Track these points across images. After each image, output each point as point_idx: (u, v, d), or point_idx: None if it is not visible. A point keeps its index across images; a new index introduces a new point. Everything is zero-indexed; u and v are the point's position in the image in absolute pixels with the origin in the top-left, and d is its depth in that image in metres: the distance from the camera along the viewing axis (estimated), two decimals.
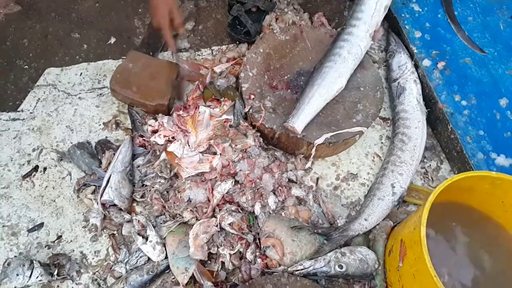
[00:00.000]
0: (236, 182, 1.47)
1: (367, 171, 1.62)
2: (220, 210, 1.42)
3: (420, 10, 1.81)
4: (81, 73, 1.76)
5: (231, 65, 1.76)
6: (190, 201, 1.44)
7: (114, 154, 1.52)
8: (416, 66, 1.71)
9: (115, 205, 1.43)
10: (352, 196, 1.56)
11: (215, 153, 1.50)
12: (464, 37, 1.75)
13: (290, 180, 1.55)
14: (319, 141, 1.48)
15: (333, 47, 1.60)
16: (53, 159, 1.58)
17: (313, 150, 1.52)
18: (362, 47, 1.59)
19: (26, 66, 1.78)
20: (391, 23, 1.87)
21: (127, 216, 1.44)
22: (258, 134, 1.55)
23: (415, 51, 1.72)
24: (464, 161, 1.53)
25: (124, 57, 1.71)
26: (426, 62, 1.69)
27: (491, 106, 1.61)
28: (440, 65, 1.68)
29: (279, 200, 1.46)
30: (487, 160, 1.51)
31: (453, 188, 1.22)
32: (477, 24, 1.79)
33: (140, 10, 1.93)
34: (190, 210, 1.41)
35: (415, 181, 1.60)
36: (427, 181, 1.61)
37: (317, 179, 1.59)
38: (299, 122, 1.45)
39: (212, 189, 1.43)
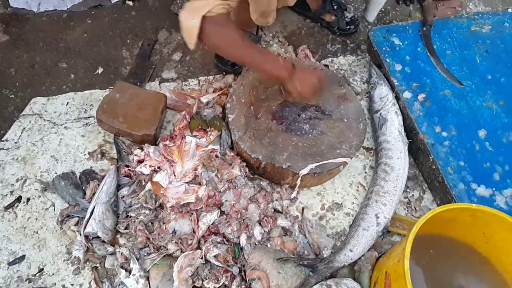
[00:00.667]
0: (222, 212, 1.47)
1: (351, 200, 1.64)
2: (205, 241, 1.42)
3: (401, 43, 1.88)
4: (67, 103, 1.77)
5: (218, 95, 1.79)
6: (175, 233, 1.43)
7: (98, 184, 1.51)
8: (397, 98, 1.76)
9: (98, 237, 1.41)
10: (337, 226, 1.57)
11: (200, 184, 1.51)
12: (443, 70, 1.81)
13: (275, 210, 1.55)
14: (304, 171, 1.50)
15: None
16: (36, 189, 1.56)
17: (299, 180, 1.54)
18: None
19: (12, 96, 1.78)
20: (372, 56, 1.93)
21: (110, 249, 1.42)
22: (244, 164, 1.57)
23: (396, 83, 1.77)
24: (445, 191, 1.56)
25: (112, 87, 1.72)
26: (407, 94, 1.74)
27: (470, 137, 1.65)
28: (421, 97, 1.73)
29: (265, 231, 1.47)
30: (468, 190, 1.54)
31: (436, 220, 1.25)
32: (455, 57, 1.86)
33: (128, 41, 1.96)
34: (175, 242, 1.40)
35: (399, 211, 1.62)
36: (410, 211, 1.64)
37: (303, 209, 1.60)
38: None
39: (198, 220, 1.43)
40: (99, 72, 1.86)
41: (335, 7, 2.04)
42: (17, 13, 1.97)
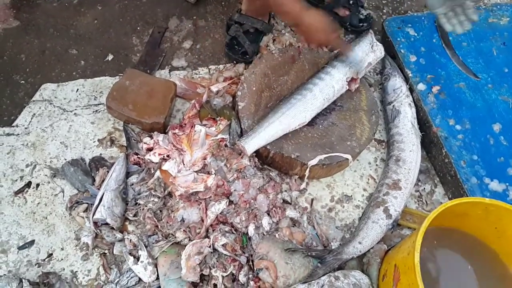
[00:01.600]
0: (231, 202, 1.47)
1: (361, 193, 1.62)
2: (213, 230, 1.41)
3: (416, 34, 1.84)
4: (77, 89, 1.76)
5: (228, 84, 1.77)
6: (184, 221, 1.42)
7: (108, 171, 1.51)
8: (411, 90, 1.73)
9: (107, 223, 1.41)
10: (347, 219, 1.56)
11: (209, 173, 1.50)
12: (458, 62, 1.77)
13: (284, 201, 1.54)
14: (313, 162, 1.48)
15: (307, 82, 1.60)
16: (46, 175, 1.57)
17: (307, 171, 1.52)
18: (335, 89, 1.57)
19: (23, 81, 1.78)
20: (386, 47, 1.89)
21: (119, 235, 1.42)
22: (254, 153, 1.55)
23: (410, 75, 1.73)
24: (458, 185, 1.54)
25: (121, 74, 1.71)
26: (421, 86, 1.71)
27: (484, 131, 1.62)
28: (435, 89, 1.70)
29: (273, 222, 1.46)
30: (481, 185, 1.51)
31: (447, 214, 1.23)
32: (471, 49, 1.82)
33: (138, 28, 1.95)
34: (183, 230, 1.40)
35: (409, 205, 1.60)
36: (421, 205, 1.61)
37: (312, 200, 1.59)
38: (251, 143, 1.45)
39: (206, 209, 1.43)
40: (109, 59, 1.85)
41: (351, 1, 1.97)
42: None
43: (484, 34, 1.86)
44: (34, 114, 1.69)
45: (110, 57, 1.86)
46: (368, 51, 1.63)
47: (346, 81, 1.59)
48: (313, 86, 1.56)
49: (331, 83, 1.56)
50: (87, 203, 1.48)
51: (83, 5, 1.99)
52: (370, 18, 2.00)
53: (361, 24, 1.98)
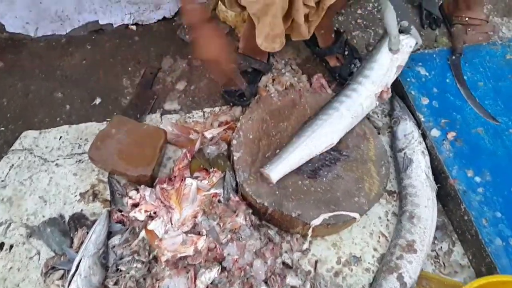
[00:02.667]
0: (223, 269, 1.30)
1: (371, 253, 1.45)
2: None
3: (427, 74, 1.70)
4: (60, 137, 1.63)
5: (224, 130, 1.63)
6: None
7: (87, 232, 1.36)
8: (424, 136, 1.57)
9: None
10: (355, 285, 1.39)
11: (200, 233, 1.35)
12: (475, 105, 1.62)
13: (285, 264, 1.38)
14: (316, 222, 1.32)
15: (332, 101, 1.48)
16: (21, 235, 1.42)
17: (310, 231, 1.36)
18: (364, 107, 1.46)
19: (3, 128, 1.65)
20: (395, 87, 1.75)
21: None
22: (250, 211, 1.40)
23: (422, 119, 1.58)
24: (479, 246, 1.37)
25: (109, 119, 1.59)
26: (435, 132, 1.55)
27: (508, 183, 1.45)
28: (450, 135, 1.54)
29: None
30: (507, 247, 1.34)
31: None
32: (489, 90, 1.67)
33: (129, 69, 1.83)
34: None
35: (425, 267, 1.42)
36: (438, 267, 1.44)
37: (316, 262, 1.42)
38: (276, 170, 1.34)
39: (195, 278, 1.26)
40: (97, 103, 1.73)
41: (346, 52, 1.80)
42: (13, 38, 1.86)
43: (502, 73, 1.71)
44: (13, 165, 1.56)
45: (98, 100, 1.74)
46: (391, 56, 1.45)
47: (376, 97, 1.45)
48: (339, 105, 1.44)
49: (359, 101, 1.45)
50: (63, 269, 1.33)
51: (71, 45, 1.88)
52: None
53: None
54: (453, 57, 1.73)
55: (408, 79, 1.68)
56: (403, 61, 1.47)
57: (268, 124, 1.53)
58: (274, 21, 1.35)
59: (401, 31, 1.40)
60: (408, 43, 1.43)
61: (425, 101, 1.63)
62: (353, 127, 1.48)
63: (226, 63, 1.39)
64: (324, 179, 1.42)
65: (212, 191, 1.42)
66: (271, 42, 1.44)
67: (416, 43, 1.43)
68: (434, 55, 1.76)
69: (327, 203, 1.36)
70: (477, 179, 1.46)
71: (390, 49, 1.43)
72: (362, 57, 1.83)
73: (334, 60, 1.82)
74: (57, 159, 1.58)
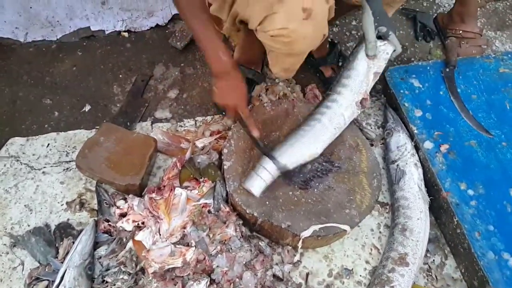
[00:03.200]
0: (212, 281, 1.27)
1: (363, 266, 1.43)
2: None
3: (421, 86, 1.69)
4: (48, 144, 1.60)
5: (215, 139, 1.61)
6: None
7: (73, 242, 1.33)
8: (417, 148, 1.56)
9: None
10: None
11: (189, 245, 1.32)
12: (468, 117, 1.61)
13: (275, 277, 1.35)
14: (306, 234, 1.30)
15: (314, 112, 1.45)
16: (5, 244, 1.38)
17: (300, 242, 1.34)
18: (345, 117, 1.42)
19: None
20: (388, 99, 1.74)
21: None
22: (240, 222, 1.37)
23: (415, 131, 1.57)
24: (472, 260, 1.35)
25: (98, 127, 1.56)
26: (428, 144, 1.54)
27: (501, 196, 1.44)
28: (443, 148, 1.53)
29: None
30: (499, 261, 1.32)
31: None
32: (482, 103, 1.66)
33: (120, 76, 1.80)
34: None
35: (418, 280, 1.40)
36: (430, 280, 1.42)
37: (307, 275, 1.40)
38: (255, 185, 1.31)
39: None
40: (86, 110, 1.70)
41: (340, 63, 1.78)
42: (2, 43, 1.83)
43: (496, 86, 1.71)
44: None
45: (87, 107, 1.71)
46: (368, 63, 1.40)
47: (357, 105, 1.42)
48: (321, 116, 1.41)
49: (340, 111, 1.41)
50: (47, 279, 1.29)
51: (61, 51, 1.85)
52: None
53: None
54: (447, 70, 1.73)
55: (402, 91, 1.67)
56: (380, 67, 1.41)
57: (260, 133, 1.51)
58: (299, 61, 1.36)
59: (379, 37, 1.35)
60: (385, 49, 1.37)
61: (418, 113, 1.62)
62: (336, 137, 1.44)
63: (244, 109, 1.39)
64: (315, 190, 1.40)
65: (202, 201, 1.39)
66: (289, 73, 1.44)
67: (394, 50, 1.39)
68: (428, 67, 1.75)
69: (318, 215, 1.34)
70: (470, 192, 1.45)
71: (367, 55, 1.37)
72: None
73: (329, 71, 1.81)
74: (44, 167, 1.54)
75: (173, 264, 1.28)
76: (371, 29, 1.32)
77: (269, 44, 1.27)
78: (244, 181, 1.34)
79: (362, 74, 1.40)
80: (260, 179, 1.31)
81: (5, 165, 1.54)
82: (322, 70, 1.81)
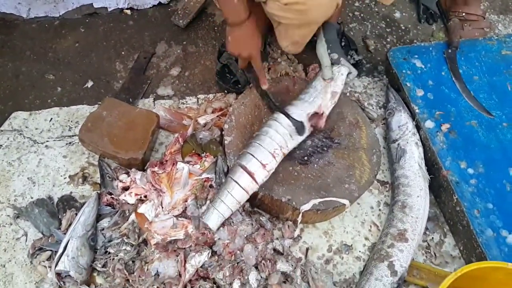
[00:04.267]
0: (214, 253, 1.29)
1: (363, 242, 1.44)
2: (192, 287, 1.23)
3: (423, 66, 1.69)
4: (51, 119, 1.60)
5: (217, 116, 1.61)
6: (158, 275, 1.24)
7: (76, 214, 1.34)
8: (418, 127, 1.57)
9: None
10: (346, 272, 1.38)
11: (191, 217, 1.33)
12: (469, 98, 1.62)
13: (276, 251, 1.36)
14: (306, 207, 1.31)
15: (263, 124, 1.41)
16: (8, 215, 1.39)
17: (300, 216, 1.35)
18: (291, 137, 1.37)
19: None
20: (390, 79, 1.75)
21: None
22: None
23: (417, 110, 1.58)
24: (470, 237, 1.36)
25: (101, 103, 1.56)
26: (429, 124, 1.55)
27: (500, 175, 1.45)
28: (444, 127, 1.54)
29: (261, 277, 1.27)
30: (497, 238, 1.34)
31: (463, 276, 1.06)
32: (483, 84, 1.67)
33: (123, 53, 1.80)
34: (157, 287, 1.22)
35: (416, 257, 1.42)
36: (429, 257, 1.44)
37: (307, 250, 1.41)
38: (212, 219, 1.27)
39: (185, 262, 1.25)
40: (89, 86, 1.70)
41: (343, 43, 1.76)
42: (5, 18, 1.82)
43: (497, 68, 1.71)
44: (1, 145, 1.53)
45: (89, 83, 1.71)
46: (323, 84, 1.43)
47: (307, 116, 1.39)
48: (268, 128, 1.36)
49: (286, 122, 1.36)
50: (50, 250, 1.30)
51: (64, 27, 1.84)
52: (361, 64, 1.84)
53: None
54: (449, 51, 1.72)
55: (404, 71, 1.67)
56: (338, 87, 1.43)
57: (261, 110, 1.51)
58: (310, 33, 1.35)
59: (333, 62, 1.42)
60: (340, 71, 1.43)
61: (420, 93, 1.63)
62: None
63: (257, 60, 1.39)
64: (315, 165, 1.41)
65: (204, 175, 1.40)
66: (298, 47, 1.43)
67: (350, 73, 1.44)
68: (430, 48, 1.75)
69: (318, 189, 1.35)
70: (470, 170, 1.46)
71: (323, 79, 1.43)
72: (358, 48, 1.83)
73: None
74: (47, 141, 1.55)
75: (175, 236, 1.29)
76: (325, 56, 1.41)
77: (279, 15, 1.26)
78: (202, 215, 1.29)
79: (319, 91, 1.42)
80: (217, 213, 1.27)
81: (8, 139, 1.54)
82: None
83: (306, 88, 1.46)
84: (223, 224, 1.31)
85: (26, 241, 1.36)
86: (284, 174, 1.37)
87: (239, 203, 1.29)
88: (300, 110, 1.39)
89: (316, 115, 1.40)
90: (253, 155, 1.29)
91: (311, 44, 1.46)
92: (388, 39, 1.97)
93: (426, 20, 2.06)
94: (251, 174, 1.27)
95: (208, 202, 1.33)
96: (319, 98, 1.42)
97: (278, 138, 1.33)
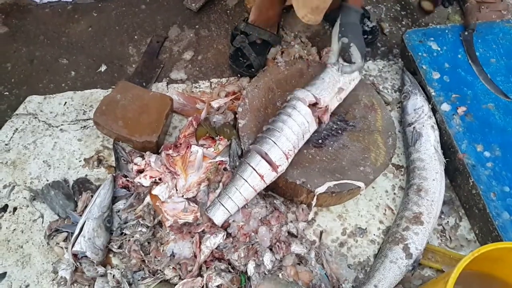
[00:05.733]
0: (228, 235, 1.29)
1: (377, 226, 1.44)
2: (207, 268, 1.24)
3: (439, 49, 1.66)
4: (65, 103, 1.61)
5: (230, 100, 1.61)
6: (174, 256, 1.26)
7: (92, 196, 1.35)
8: (434, 110, 1.55)
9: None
10: (360, 255, 1.37)
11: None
12: (486, 81, 1.59)
13: (290, 234, 1.36)
14: (321, 190, 1.31)
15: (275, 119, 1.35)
16: (25, 198, 1.41)
17: (314, 199, 1.34)
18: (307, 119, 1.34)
19: (7, 93, 1.63)
20: (406, 62, 1.72)
21: (101, 270, 1.25)
22: None
23: (433, 93, 1.56)
24: (486, 220, 1.35)
25: (114, 87, 1.56)
26: (445, 107, 1.53)
27: None
28: (461, 110, 1.52)
29: (276, 259, 1.28)
30: None
31: (479, 258, 1.04)
32: (501, 66, 1.64)
33: (136, 37, 1.80)
34: (173, 267, 1.23)
35: (431, 241, 1.41)
36: (444, 241, 1.43)
37: (321, 233, 1.41)
38: (218, 214, 1.26)
39: (200, 243, 1.25)
40: (102, 70, 1.70)
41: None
42: (19, 3, 1.83)
43: None
44: (17, 129, 1.54)
45: (103, 67, 1.71)
46: (335, 76, 1.41)
47: (314, 116, 1.35)
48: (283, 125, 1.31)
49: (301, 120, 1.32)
50: (67, 231, 1.32)
51: (77, 12, 1.85)
52: (376, 30, 1.82)
53: (365, 37, 1.75)
54: (466, 33, 1.70)
55: (420, 54, 1.65)
56: (345, 85, 1.43)
57: (275, 93, 1.51)
58: None
59: (344, 47, 1.43)
60: (354, 75, 1.45)
61: (436, 75, 1.60)
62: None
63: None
64: (330, 148, 1.40)
65: (218, 158, 1.40)
66: (318, 14, 1.38)
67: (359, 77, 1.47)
68: (447, 31, 1.72)
69: (332, 172, 1.35)
70: (487, 154, 1.44)
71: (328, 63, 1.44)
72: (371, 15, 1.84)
73: None
74: (62, 125, 1.56)
75: (185, 219, 1.29)
76: (334, 40, 1.43)
77: None
78: (207, 209, 1.28)
79: (326, 83, 1.40)
80: (224, 209, 1.26)
81: (23, 122, 1.56)
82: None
83: (313, 80, 1.43)
84: None
85: (42, 222, 1.38)
86: (298, 157, 1.36)
87: (246, 200, 1.28)
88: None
89: (320, 109, 1.38)
90: (263, 157, 1.26)
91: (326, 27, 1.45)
92: (404, 22, 1.94)
93: (441, 3, 2.01)
94: (260, 175, 1.26)
95: (217, 192, 1.32)
96: (325, 91, 1.38)
97: (293, 138, 1.29)
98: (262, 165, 1.26)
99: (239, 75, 1.71)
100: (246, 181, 1.26)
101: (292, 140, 1.29)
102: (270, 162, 1.27)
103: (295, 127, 1.31)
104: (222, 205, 1.26)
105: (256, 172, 1.26)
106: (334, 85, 1.41)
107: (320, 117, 1.38)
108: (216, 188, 1.35)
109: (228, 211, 1.26)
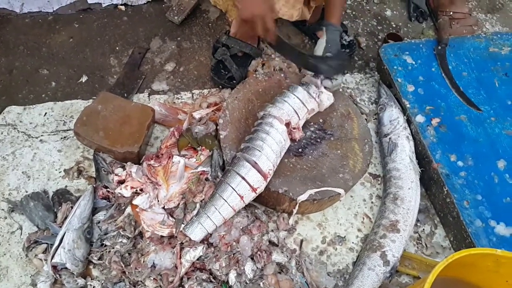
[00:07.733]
0: (210, 244, 1.30)
1: (355, 234, 1.47)
2: (188, 279, 1.24)
3: (413, 62, 1.73)
4: (45, 113, 1.60)
5: (212, 111, 1.63)
6: (155, 267, 1.25)
7: (71, 207, 1.34)
8: (409, 122, 1.60)
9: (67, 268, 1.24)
10: (340, 263, 1.40)
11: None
12: (459, 93, 1.66)
13: (271, 243, 1.38)
14: (303, 198, 1.34)
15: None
16: (3, 209, 1.39)
17: (296, 207, 1.37)
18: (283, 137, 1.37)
19: None
20: (382, 75, 1.78)
21: (81, 282, 1.25)
22: None
23: (407, 105, 1.61)
24: (460, 228, 1.40)
25: (95, 97, 1.56)
26: (420, 118, 1.58)
27: (488, 168, 1.50)
28: (435, 121, 1.58)
29: (257, 268, 1.29)
30: (486, 228, 1.38)
31: (453, 264, 1.08)
32: (472, 80, 1.71)
33: (117, 48, 1.81)
34: (154, 278, 1.23)
35: (408, 248, 1.45)
36: (420, 248, 1.47)
37: (301, 241, 1.43)
38: (196, 232, 1.26)
39: (181, 255, 1.26)
40: (83, 81, 1.70)
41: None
42: None
43: (485, 64, 1.76)
44: None
45: (84, 78, 1.71)
46: (306, 97, 1.45)
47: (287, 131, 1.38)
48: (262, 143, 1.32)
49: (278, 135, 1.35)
50: (46, 243, 1.31)
51: (58, 22, 1.84)
52: (353, 44, 1.87)
53: (343, 50, 1.81)
54: (439, 47, 1.77)
55: (395, 67, 1.71)
56: (315, 106, 1.47)
57: (254, 104, 1.54)
58: None
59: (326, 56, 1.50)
60: (326, 97, 1.48)
61: (411, 88, 1.66)
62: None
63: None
64: (310, 157, 1.44)
65: (200, 169, 1.41)
66: (291, 7, 1.42)
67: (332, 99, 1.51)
68: (421, 45, 1.79)
69: (313, 180, 1.38)
70: (460, 163, 1.50)
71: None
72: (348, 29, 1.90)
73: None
74: (42, 135, 1.55)
75: (160, 231, 1.29)
76: (320, 50, 1.50)
77: None
78: (184, 227, 1.28)
79: (298, 102, 1.43)
80: (202, 227, 1.26)
81: (2, 133, 1.54)
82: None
83: (283, 95, 1.43)
84: None
85: (21, 234, 1.36)
86: (279, 166, 1.38)
87: (224, 220, 1.29)
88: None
89: (294, 129, 1.41)
90: (243, 178, 1.26)
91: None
92: (380, 37, 2.00)
93: (416, 19, 2.10)
94: (240, 196, 1.27)
95: (196, 211, 1.32)
96: (293, 111, 1.41)
97: (272, 156, 1.31)
98: (242, 186, 1.26)
99: (220, 87, 1.73)
100: (226, 201, 1.26)
101: (272, 159, 1.31)
102: (249, 183, 1.27)
103: (274, 145, 1.32)
104: (201, 223, 1.26)
105: (236, 192, 1.26)
106: (306, 105, 1.44)
107: (292, 135, 1.41)
108: (193, 209, 1.34)
109: (206, 229, 1.27)
